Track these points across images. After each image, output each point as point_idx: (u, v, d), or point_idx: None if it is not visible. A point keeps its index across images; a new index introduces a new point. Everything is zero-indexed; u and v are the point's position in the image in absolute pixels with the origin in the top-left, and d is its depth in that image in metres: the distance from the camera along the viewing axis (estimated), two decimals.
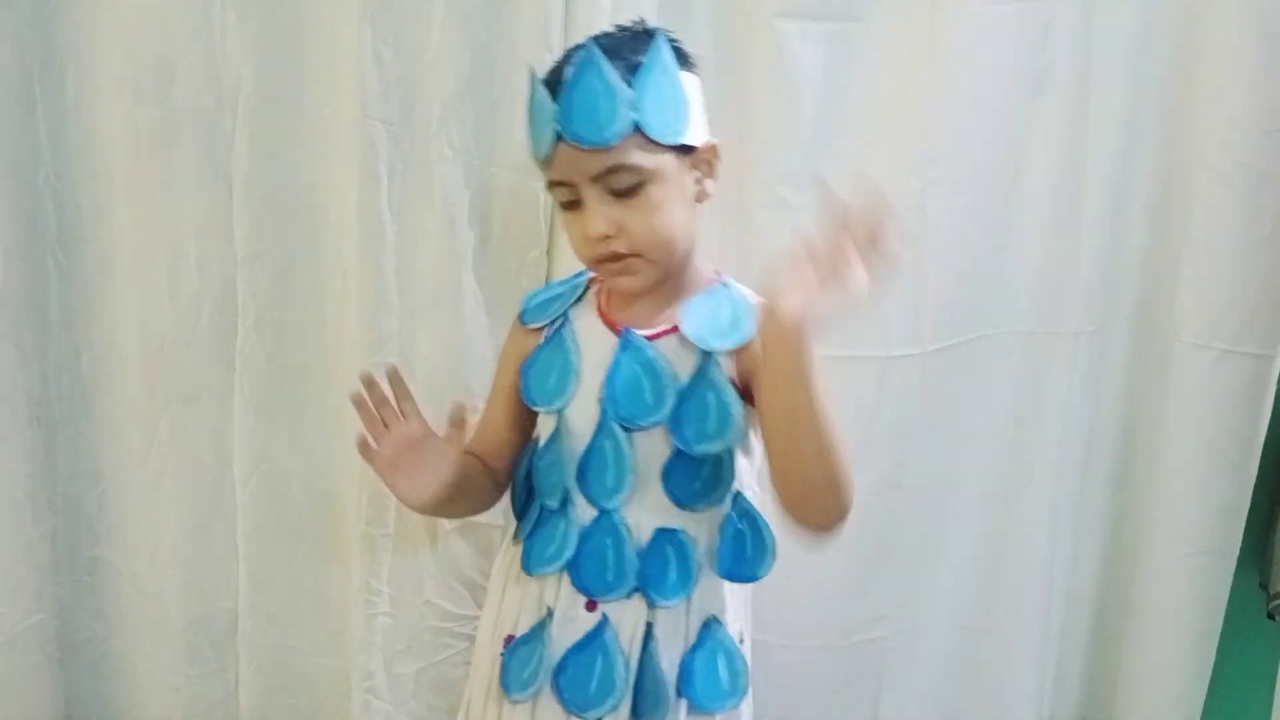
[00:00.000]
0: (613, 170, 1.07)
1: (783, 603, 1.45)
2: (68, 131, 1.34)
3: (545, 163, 1.10)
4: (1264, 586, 1.59)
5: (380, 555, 1.38)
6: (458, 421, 1.20)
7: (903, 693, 1.51)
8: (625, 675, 1.13)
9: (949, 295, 1.38)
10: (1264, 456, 1.46)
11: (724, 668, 1.17)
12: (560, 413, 1.17)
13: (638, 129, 1.06)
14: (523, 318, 1.24)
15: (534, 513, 1.22)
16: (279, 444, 1.40)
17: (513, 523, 1.28)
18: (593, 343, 1.17)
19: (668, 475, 1.13)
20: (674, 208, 1.10)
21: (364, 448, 1.21)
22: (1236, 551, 1.47)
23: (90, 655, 1.49)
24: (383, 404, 1.23)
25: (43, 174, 1.34)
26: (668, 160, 1.09)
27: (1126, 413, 1.49)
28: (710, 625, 1.17)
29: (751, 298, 1.16)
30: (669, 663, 1.15)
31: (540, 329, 1.22)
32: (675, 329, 1.14)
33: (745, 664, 1.20)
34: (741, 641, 1.21)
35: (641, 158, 1.07)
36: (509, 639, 1.20)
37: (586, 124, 1.05)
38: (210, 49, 1.29)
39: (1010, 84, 1.34)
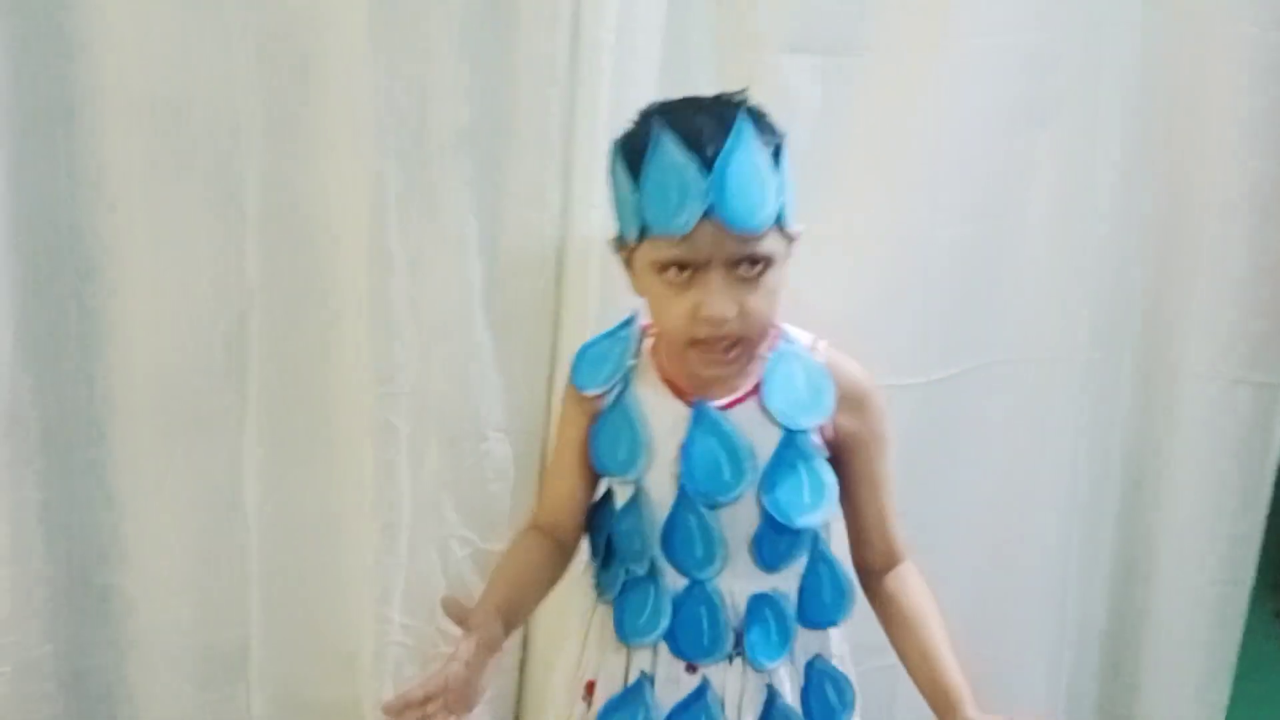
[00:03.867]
0: (752, 255, 1.00)
1: None
2: (85, 163, 1.35)
3: (676, 239, 0.99)
4: (1279, 616, 1.57)
5: (391, 583, 1.38)
6: (459, 617, 1.02)
7: None
8: None
9: (953, 324, 1.38)
10: (1277, 484, 1.45)
11: (832, 692, 1.18)
12: (637, 482, 1.12)
13: (777, 218, 1.02)
14: (576, 384, 1.16)
15: (618, 575, 1.17)
16: (291, 472, 1.41)
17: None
18: (660, 411, 1.11)
19: (758, 545, 1.11)
20: (779, 292, 1.05)
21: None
22: (1250, 581, 1.46)
23: (100, 683, 1.49)
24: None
25: (60, 204, 1.36)
26: (784, 250, 1.05)
27: (1133, 442, 1.48)
28: (814, 663, 1.18)
29: (816, 354, 1.13)
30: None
31: (599, 396, 1.15)
32: (748, 396, 1.10)
33: (850, 682, 1.20)
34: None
35: (775, 245, 1.02)
36: (590, 685, 1.17)
37: (745, 205, 0.98)
38: (225, 84, 1.31)
39: (1013, 115, 1.35)
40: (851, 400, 1.13)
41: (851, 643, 1.44)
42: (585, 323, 1.31)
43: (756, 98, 1.06)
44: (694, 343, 1.03)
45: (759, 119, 1.02)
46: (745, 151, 0.98)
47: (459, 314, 1.34)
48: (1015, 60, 1.33)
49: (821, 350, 1.14)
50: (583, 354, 1.18)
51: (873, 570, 1.20)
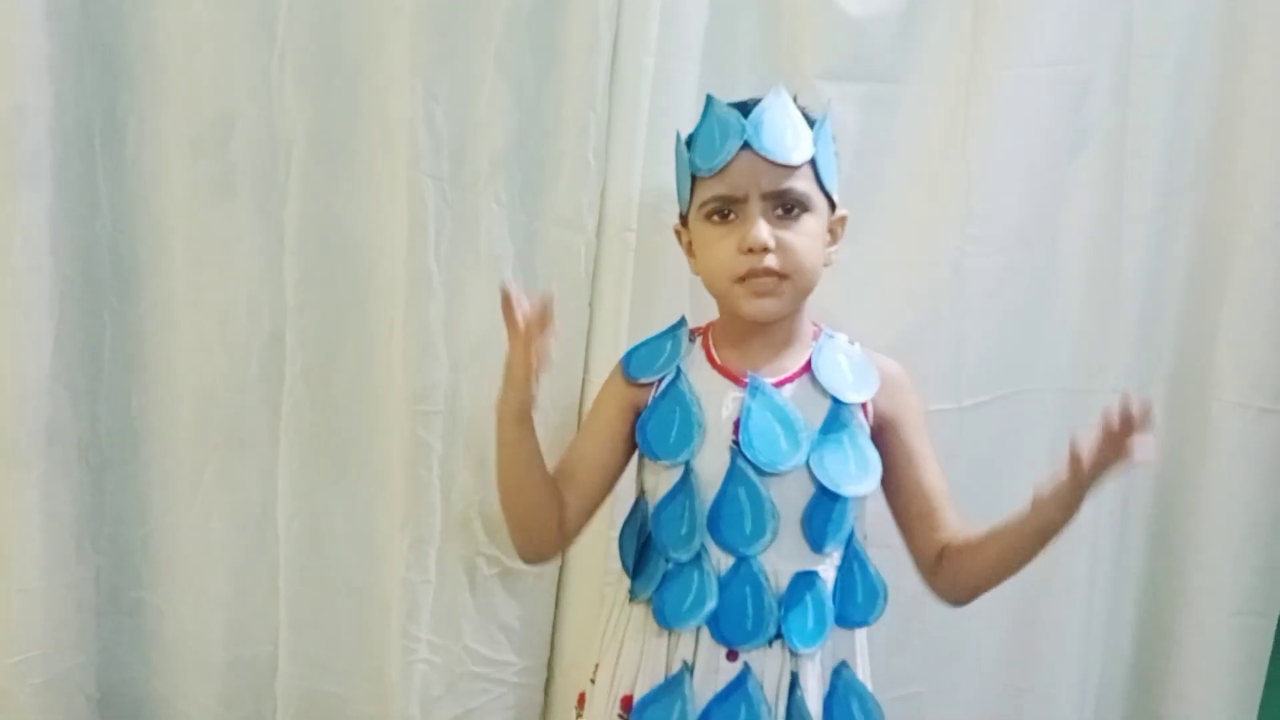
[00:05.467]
0: (787, 191, 1.13)
1: None
2: (127, 183, 1.37)
3: (716, 172, 1.14)
4: None
5: (420, 601, 1.39)
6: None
7: None
8: None
9: (987, 351, 1.39)
10: None
11: (858, 710, 1.18)
12: (687, 464, 1.17)
13: (813, 163, 1.15)
14: (628, 373, 1.23)
15: (656, 569, 1.20)
16: (322, 490, 1.42)
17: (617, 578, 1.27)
18: (711, 393, 1.18)
19: (809, 519, 1.15)
20: (818, 246, 1.17)
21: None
22: (1278, 611, 1.46)
23: (130, 697, 1.50)
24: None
25: (100, 223, 1.38)
26: (822, 205, 1.17)
27: (1164, 471, 1.48)
28: (840, 670, 1.19)
29: (855, 347, 1.23)
30: (814, 711, 1.16)
31: (649, 384, 1.22)
32: (798, 375, 1.18)
33: (877, 703, 1.21)
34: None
35: (810, 188, 1.15)
36: (626, 700, 1.19)
37: (778, 141, 1.13)
38: (267, 106, 1.33)
39: (1048, 144, 1.36)
40: (889, 385, 1.21)
41: (873, 672, 1.45)
42: (618, 347, 1.32)
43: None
44: (739, 279, 1.14)
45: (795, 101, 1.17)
46: (780, 107, 1.14)
47: (493, 335, 1.34)
48: (1051, 91, 1.34)
49: (858, 347, 1.24)
50: (634, 350, 1.26)
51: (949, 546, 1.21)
